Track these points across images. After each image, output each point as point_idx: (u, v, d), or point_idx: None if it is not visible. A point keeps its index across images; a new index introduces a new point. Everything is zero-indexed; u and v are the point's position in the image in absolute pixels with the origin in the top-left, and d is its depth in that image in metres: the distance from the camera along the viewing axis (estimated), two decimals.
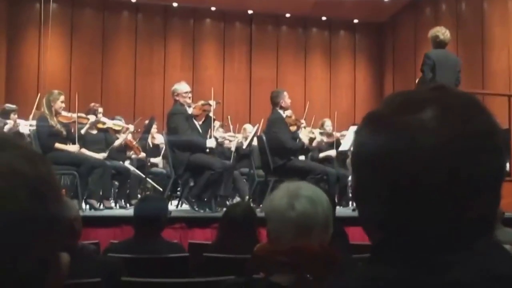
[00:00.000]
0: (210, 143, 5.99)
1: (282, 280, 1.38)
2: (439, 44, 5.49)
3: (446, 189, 0.64)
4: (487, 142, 0.66)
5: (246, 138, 7.58)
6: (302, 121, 6.60)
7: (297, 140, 6.33)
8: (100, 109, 6.62)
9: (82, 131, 6.22)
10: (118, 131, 6.86)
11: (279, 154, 6.07)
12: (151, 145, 7.38)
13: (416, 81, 5.56)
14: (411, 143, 0.64)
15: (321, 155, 7.32)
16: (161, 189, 7.26)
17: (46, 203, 0.55)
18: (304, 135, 6.62)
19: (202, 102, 6.21)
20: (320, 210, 1.45)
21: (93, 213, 5.64)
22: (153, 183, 7.51)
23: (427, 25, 12.11)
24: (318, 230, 1.44)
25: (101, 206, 6.10)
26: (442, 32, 5.53)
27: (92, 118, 6.37)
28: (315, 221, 1.44)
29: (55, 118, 5.73)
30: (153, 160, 7.56)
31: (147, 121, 7.54)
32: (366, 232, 0.73)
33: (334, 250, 1.42)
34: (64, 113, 5.90)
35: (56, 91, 5.85)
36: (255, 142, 6.99)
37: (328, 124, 7.69)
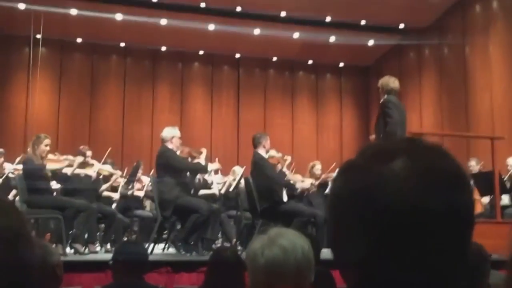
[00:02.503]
0: (212, 166, 6.13)
1: None
2: (390, 92, 5.64)
3: (416, 232, 0.67)
4: (453, 188, 0.70)
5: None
6: (286, 157, 6.65)
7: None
8: (89, 152, 6.61)
9: (69, 173, 6.20)
10: (105, 176, 6.86)
11: (266, 196, 6.08)
12: (134, 190, 7.29)
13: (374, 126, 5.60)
14: (383, 191, 0.68)
15: (298, 186, 7.22)
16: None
17: (18, 253, 0.56)
18: (292, 177, 6.66)
19: (190, 149, 6.30)
20: (292, 259, 1.46)
21: (78, 257, 5.56)
22: None
23: (411, 69, 12.41)
24: (290, 278, 1.44)
25: (86, 250, 6.01)
26: (392, 80, 5.72)
27: (79, 158, 6.36)
28: (285, 270, 1.45)
29: (41, 161, 5.72)
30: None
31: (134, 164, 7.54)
32: (342, 276, 0.75)
33: None
34: (50, 156, 5.90)
35: (42, 135, 5.86)
36: (242, 185, 6.99)
37: (318, 168, 7.71)
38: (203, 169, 6.24)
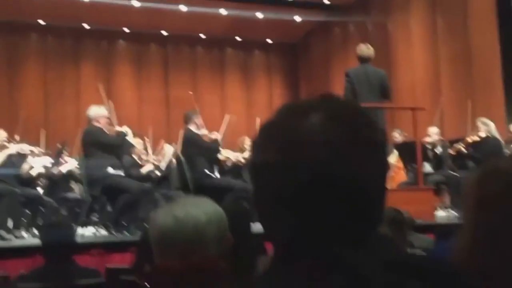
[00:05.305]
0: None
1: None
2: (359, 60, 5.75)
3: (332, 187, 0.68)
4: (369, 140, 0.71)
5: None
6: (215, 133, 6.66)
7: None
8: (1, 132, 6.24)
9: None
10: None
11: (198, 173, 6.06)
12: (61, 172, 7.00)
13: None
14: (298, 146, 0.69)
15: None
16: None
17: None
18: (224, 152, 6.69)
19: (117, 128, 6.16)
20: (182, 230, 1.37)
21: (2, 244, 5.32)
22: None
23: (337, 45, 12.66)
24: (178, 249, 1.36)
25: (12, 237, 5.76)
26: (360, 48, 5.80)
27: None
28: (173, 241, 1.37)
29: None
30: None
31: (58, 146, 7.26)
32: (272, 242, 0.75)
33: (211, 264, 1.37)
34: None
35: None
36: (173, 163, 6.93)
37: (248, 143, 7.75)
38: (131, 145, 6.16)
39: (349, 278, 0.63)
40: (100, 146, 5.69)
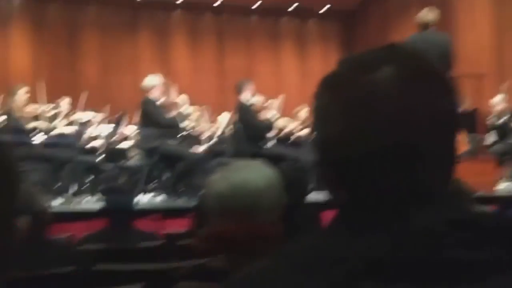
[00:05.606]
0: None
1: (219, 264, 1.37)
2: (419, 27, 5.54)
3: (407, 134, 0.64)
4: (443, 90, 0.67)
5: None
6: (268, 102, 6.65)
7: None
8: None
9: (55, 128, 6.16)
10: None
11: (251, 141, 6.10)
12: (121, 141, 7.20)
13: None
14: (368, 102, 0.64)
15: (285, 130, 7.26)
16: None
17: None
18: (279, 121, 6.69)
19: (172, 99, 6.29)
20: (237, 195, 1.36)
21: (67, 208, 5.57)
22: None
23: (396, 11, 12.24)
24: (237, 215, 1.36)
25: (75, 200, 6.02)
26: (421, 14, 5.57)
27: (63, 108, 6.32)
28: (231, 206, 1.36)
29: (21, 113, 5.65)
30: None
31: (117, 115, 7.47)
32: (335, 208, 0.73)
33: (267, 229, 1.36)
34: (29, 106, 5.83)
35: (16, 86, 5.81)
36: (228, 131, 6.99)
37: (305, 111, 7.73)
38: (179, 129, 6.15)
39: (415, 235, 0.60)
40: (151, 119, 5.81)
